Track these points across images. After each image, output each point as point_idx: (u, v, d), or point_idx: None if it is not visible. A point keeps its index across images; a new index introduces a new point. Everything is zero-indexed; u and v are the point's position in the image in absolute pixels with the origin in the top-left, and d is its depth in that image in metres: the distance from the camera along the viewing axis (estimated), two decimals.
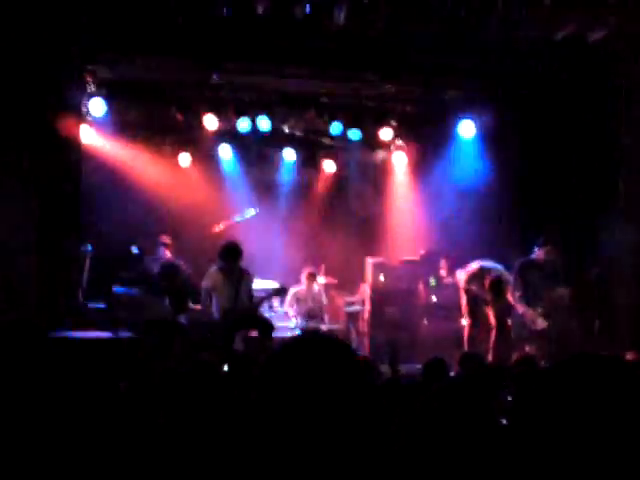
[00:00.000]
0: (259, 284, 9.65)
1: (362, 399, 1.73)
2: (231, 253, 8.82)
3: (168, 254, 10.02)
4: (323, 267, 11.05)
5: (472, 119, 10.78)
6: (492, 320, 9.23)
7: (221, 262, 8.88)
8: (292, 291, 10.47)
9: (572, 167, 9.68)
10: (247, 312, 8.98)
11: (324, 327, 10.49)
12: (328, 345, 1.80)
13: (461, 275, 9.80)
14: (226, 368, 6.99)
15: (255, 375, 1.81)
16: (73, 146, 8.63)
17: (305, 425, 1.66)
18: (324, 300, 10.74)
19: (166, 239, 9.98)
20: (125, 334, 7.95)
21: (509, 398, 4.14)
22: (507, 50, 8.83)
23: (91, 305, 8.68)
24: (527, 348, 8.67)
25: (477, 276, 9.46)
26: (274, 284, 10.21)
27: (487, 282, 9.20)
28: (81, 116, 9.23)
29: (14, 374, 2.61)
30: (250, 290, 9.13)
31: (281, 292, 9.50)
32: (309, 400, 1.67)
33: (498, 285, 9.07)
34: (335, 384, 1.70)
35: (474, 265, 9.54)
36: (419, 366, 9.21)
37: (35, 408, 2.85)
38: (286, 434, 1.67)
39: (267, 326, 9.06)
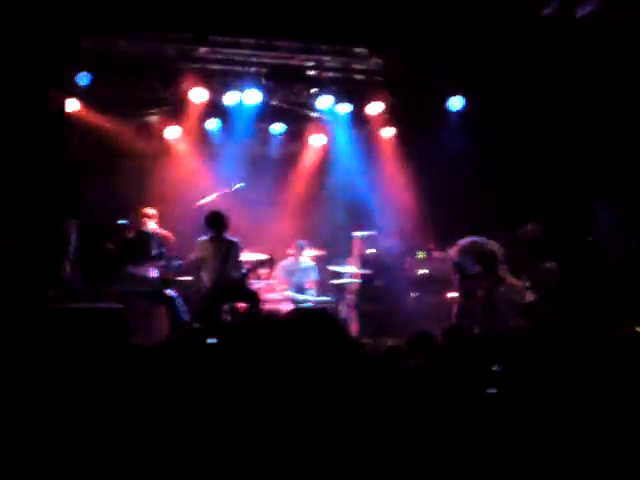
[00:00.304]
0: (247, 256, 9.69)
1: (351, 373, 1.77)
2: (216, 221, 8.94)
3: (154, 226, 10.02)
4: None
5: (461, 94, 10.79)
6: (481, 294, 9.29)
7: (208, 231, 8.97)
8: (281, 263, 10.52)
9: (560, 143, 9.71)
10: (235, 283, 9.04)
11: (313, 300, 10.54)
12: (320, 321, 1.84)
13: (452, 249, 9.84)
14: (214, 340, 7.05)
15: (249, 348, 1.84)
16: (59, 119, 8.60)
17: (297, 397, 1.70)
18: (314, 274, 10.78)
19: (149, 211, 9.98)
20: (112, 305, 7.98)
21: (496, 369, 4.17)
22: (495, 26, 8.82)
23: (76, 276, 8.68)
24: (514, 322, 8.77)
25: (468, 250, 9.49)
26: (262, 256, 10.25)
27: (478, 256, 9.24)
28: (67, 89, 9.19)
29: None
30: (238, 260, 9.19)
31: (269, 263, 9.53)
32: (301, 373, 1.70)
33: (489, 259, 9.12)
34: (326, 358, 1.73)
35: (466, 239, 9.59)
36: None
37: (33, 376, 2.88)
38: (279, 406, 1.71)
39: (254, 297, 9.13)
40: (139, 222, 8.95)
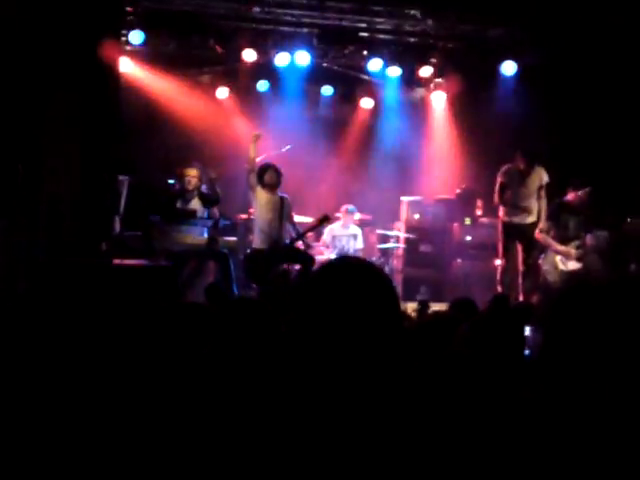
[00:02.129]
0: (297, 219, 9.73)
1: (395, 325, 1.77)
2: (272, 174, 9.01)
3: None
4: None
5: (514, 58, 10.62)
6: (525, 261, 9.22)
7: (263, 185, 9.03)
8: (329, 227, 10.52)
9: (617, 108, 9.52)
10: (291, 243, 9.11)
11: None
12: (364, 267, 1.83)
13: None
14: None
15: (289, 299, 1.85)
16: (112, 76, 8.66)
17: (339, 350, 1.70)
18: (360, 239, 10.77)
19: (212, 173, 10.04)
20: (162, 262, 8.10)
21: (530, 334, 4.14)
22: None
23: (128, 233, 8.83)
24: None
25: None
26: (308, 219, 10.28)
27: None
28: (120, 47, 9.25)
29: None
30: (291, 217, 9.28)
31: (325, 221, 9.54)
32: (344, 323, 1.70)
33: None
34: (370, 307, 1.73)
35: None
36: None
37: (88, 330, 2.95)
38: (320, 359, 1.71)
39: (309, 260, 9.15)
40: (186, 182, 8.97)
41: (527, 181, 9.03)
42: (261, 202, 9.08)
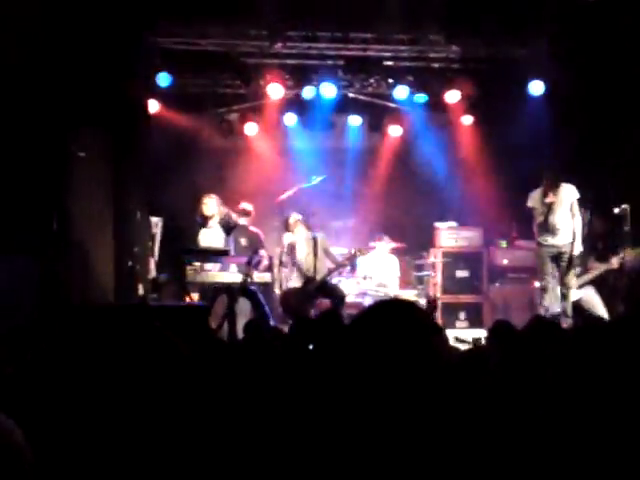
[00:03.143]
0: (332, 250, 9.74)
1: (432, 372, 1.72)
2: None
3: (248, 223, 10.14)
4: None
5: (541, 79, 10.55)
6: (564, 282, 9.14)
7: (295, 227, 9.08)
8: (362, 258, 10.48)
9: None
10: (323, 279, 9.11)
11: (394, 293, 10.48)
12: (409, 311, 1.79)
13: None
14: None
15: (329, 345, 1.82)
16: (142, 118, 8.76)
17: (382, 389, 1.67)
18: (396, 267, 10.71)
19: (246, 207, 10.09)
20: (198, 303, 8.12)
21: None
22: (573, 7, 8.60)
23: (163, 275, 8.86)
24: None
25: None
26: (343, 250, 10.27)
27: None
28: (148, 89, 9.35)
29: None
30: (329, 252, 9.29)
31: (358, 254, 9.53)
32: (388, 366, 1.67)
33: None
34: (415, 349, 1.69)
35: None
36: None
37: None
38: (364, 397, 1.68)
39: (340, 296, 9.14)
40: (203, 209, 9.08)
41: (555, 201, 8.97)
42: (297, 239, 9.14)
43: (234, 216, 9.29)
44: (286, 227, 9.26)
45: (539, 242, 9.13)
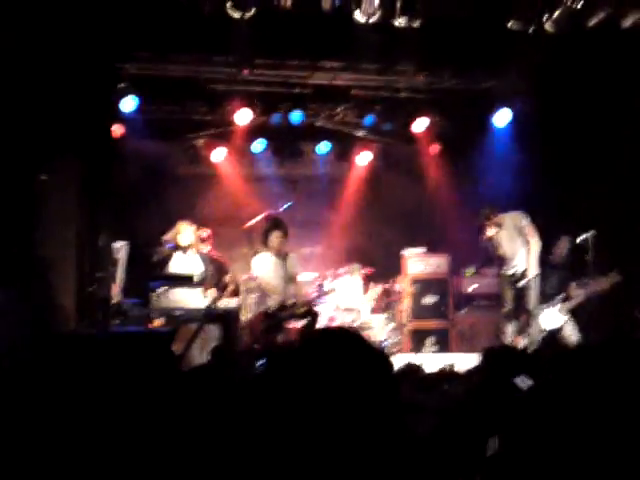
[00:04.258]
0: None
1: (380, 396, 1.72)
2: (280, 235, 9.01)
3: (209, 248, 10.11)
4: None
5: (507, 108, 10.67)
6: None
7: (265, 246, 9.02)
8: (331, 283, 10.49)
9: (610, 153, 9.54)
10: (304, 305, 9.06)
11: (360, 320, 10.49)
12: (344, 341, 1.79)
13: None
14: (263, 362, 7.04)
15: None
16: (108, 144, 8.74)
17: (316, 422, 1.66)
18: (364, 293, 10.74)
19: (202, 234, 10.06)
20: (162, 329, 8.05)
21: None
22: (540, 39, 8.71)
23: (127, 301, 8.78)
24: None
25: None
26: (312, 275, 10.30)
27: None
28: (114, 114, 9.33)
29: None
30: (296, 272, 9.25)
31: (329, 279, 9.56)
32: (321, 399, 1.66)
33: None
34: (354, 381, 1.69)
35: None
36: (455, 354, 9.31)
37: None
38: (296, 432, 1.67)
39: (313, 316, 9.10)
40: (178, 238, 9.00)
41: (502, 230, 9.09)
42: (266, 265, 9.06)
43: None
44: (264, 242, 9.15)
45: (499, 272, 9.29)
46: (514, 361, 3.77)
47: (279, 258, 9.10)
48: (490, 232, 9.08)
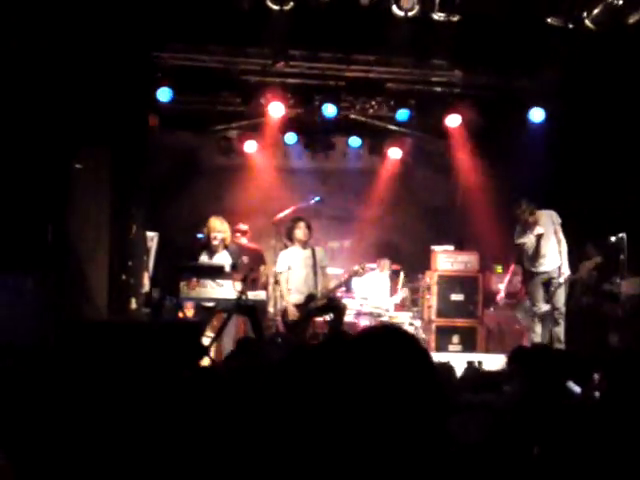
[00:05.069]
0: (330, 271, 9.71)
1: (433, 398, 1.71)
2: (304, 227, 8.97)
3: (245, 241, 10.12)
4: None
5: (542, 107, 10.57)
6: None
7: (292, 240, 9.00)
8: (360, 278, 10.46)
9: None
10: (327, 297, 9.04)
11: (390, 314, 10.46)
12: (398, 340, 1.78)
13: None
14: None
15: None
16: (142, 135, 8.78)
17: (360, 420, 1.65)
18: (392, 289, 10.71)
19: (241, 227, 10.07)
20: (192, 319, 8.09)
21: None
22: (578, 37, 8.62)
23: (156, 291, 8.81)
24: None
25: None
26: (339, 271, 10.27)
27: None
28: (149, 104, 9.36)
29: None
30: (327, 269, 9.22)
31: (355, 275, 9.51)
32: (375, 394, 1.66)
33: None
34: (404, 381, 1.68)
35: None
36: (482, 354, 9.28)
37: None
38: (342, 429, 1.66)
39: (341, 310, 9.08)
40: (212, 237, 8.93)
41: (538, 228, 9.05)
42: (293, 259, 9.03)
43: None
44: (289, 236, 9.13)
45: (531, 271, 9.21)
46: (561, 364, 3.73)
47: (307, 251, 9.07)
48: (538, 230, 9.04)
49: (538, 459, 2.29)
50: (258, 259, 9.87)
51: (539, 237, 9.04)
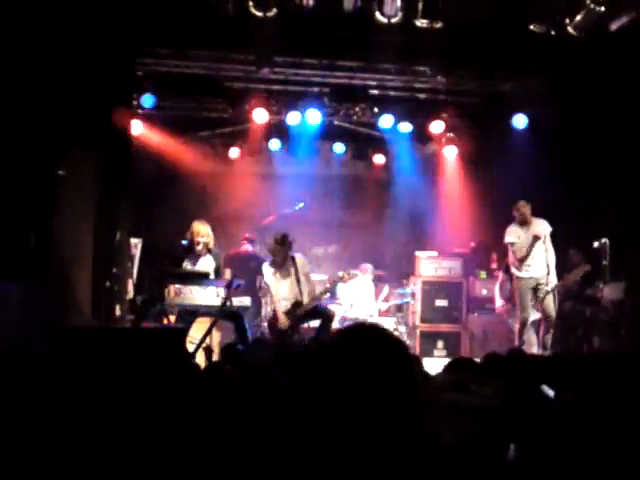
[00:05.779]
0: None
1: (409, 393, 1.71)
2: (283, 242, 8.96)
3: (250, 248, 10.10)
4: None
5: (526, 112, 10.62)
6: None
7: (277, 253, 9.00)
8: (344, 284, 10.45)
9: (628, 160, 9.47)
10: (312, 305, 9.04)
11: (372, 320, 10.47)
12: (380, 337, 1.79)
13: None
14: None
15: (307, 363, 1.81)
16: (124, 140, 8.73)
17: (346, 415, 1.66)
18: (376, 295, 10.72)
19: (249, 235, 10.05)
20: (176, 325, 8.05)
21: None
22: (561, 42, 8.67)
23: (140, 297, 8.78)
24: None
25: None
26: (323, 277, 10.25)
27: None
28: (132, 110, 9.33)
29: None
30: (308, 276, 9.22)
31: (342, 280, 9.53)
32: (358, 392, 1.66)
33: None
34: (385, 376, 1.69)
35: None
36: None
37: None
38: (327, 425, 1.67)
39: (329, 317, 9.08)
40: (195, 242, 8.89)
41: (529, 234, 9.09)
42: (276, 270, 9.05)
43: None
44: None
45: (518, 276, 9.22)
46: (538, 367, 3.74)
47: (285, 266, 9.05)
48: (538, 232, 9.08)
49: (513, 460, 2.31)
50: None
51: (535, 238, 9.06)
